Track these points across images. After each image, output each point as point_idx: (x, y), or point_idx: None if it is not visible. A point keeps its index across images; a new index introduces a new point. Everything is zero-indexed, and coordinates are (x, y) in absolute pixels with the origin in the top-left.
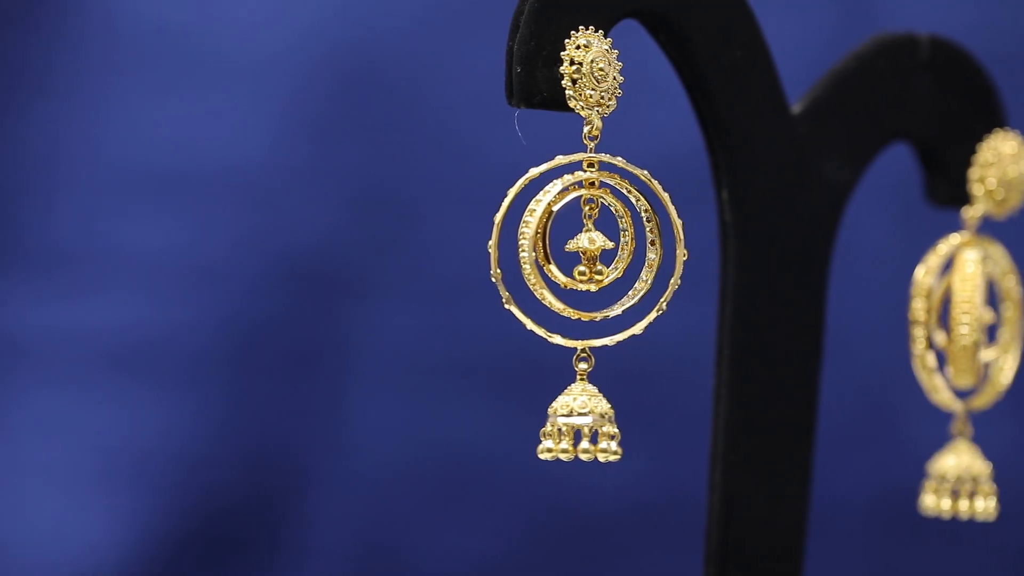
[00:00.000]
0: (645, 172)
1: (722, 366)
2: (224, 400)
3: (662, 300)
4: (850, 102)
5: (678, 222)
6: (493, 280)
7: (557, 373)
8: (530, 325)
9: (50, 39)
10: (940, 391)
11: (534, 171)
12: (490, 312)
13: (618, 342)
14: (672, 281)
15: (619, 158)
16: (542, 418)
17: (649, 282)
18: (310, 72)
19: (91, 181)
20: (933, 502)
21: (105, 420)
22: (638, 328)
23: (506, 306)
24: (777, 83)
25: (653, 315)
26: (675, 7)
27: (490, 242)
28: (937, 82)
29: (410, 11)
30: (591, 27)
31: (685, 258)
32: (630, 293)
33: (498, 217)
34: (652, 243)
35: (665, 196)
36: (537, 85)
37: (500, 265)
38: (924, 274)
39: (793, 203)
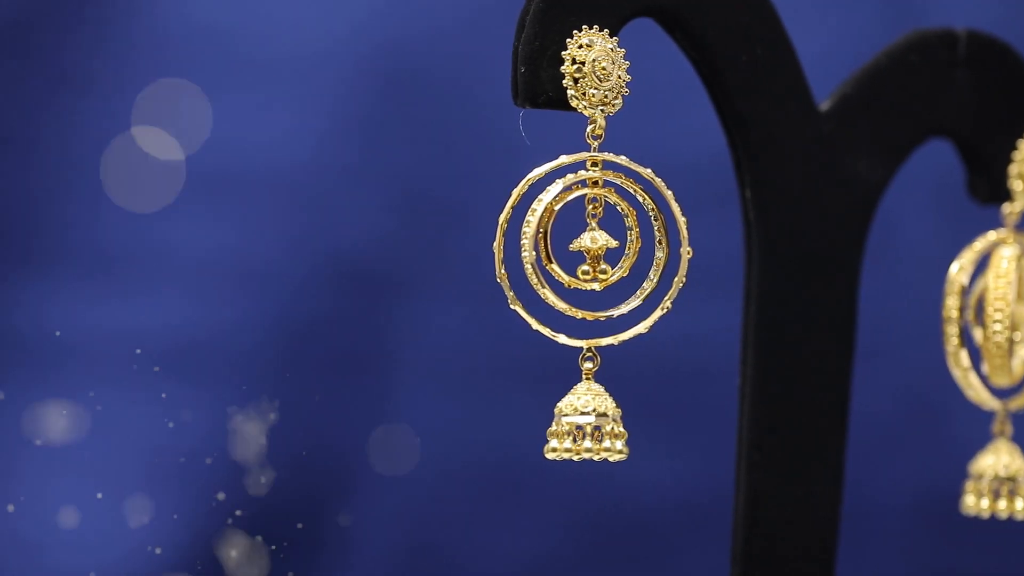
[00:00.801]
0: (649, 171)
1: (746, 364)
2: (270, 400)
3: (667, 299)
4: (881, 99)
5: (682, 220)
6: (498, 280)
7: (602, 373)
8: (535, 325)
9: (95, 40)
10: (976, 389)
11: (537, 171)
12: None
13: (623, 341)
14: (676, 280)
15: (623, 156)
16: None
17: (656, 281)
18: (357, 73)
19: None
20: (973, 502)
21: (151, 421)
22: (643, 327)
23: (511, 306)
24: (802, 79)
25: (658, 314)
26: (686, 5)
27: (494, 243)
28: (976, 77)
29: (456, 11)
30: (596, 26)
31: (690, 256)
32: (638, 292)
33: (501, 217)
34: (659, 242)
35: (669, 194)
36: (542, 85)
37: (509, 266)
38: (958, 271)
39: (820, 201)
